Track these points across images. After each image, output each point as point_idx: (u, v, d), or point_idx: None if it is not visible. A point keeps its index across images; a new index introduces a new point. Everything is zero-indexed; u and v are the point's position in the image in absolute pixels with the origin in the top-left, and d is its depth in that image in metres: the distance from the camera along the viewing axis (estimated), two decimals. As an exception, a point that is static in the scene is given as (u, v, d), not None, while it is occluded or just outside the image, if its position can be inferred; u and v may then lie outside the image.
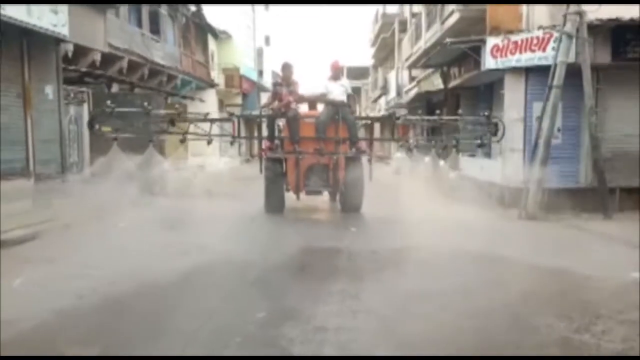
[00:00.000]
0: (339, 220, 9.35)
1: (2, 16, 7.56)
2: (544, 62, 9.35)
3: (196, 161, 19.90)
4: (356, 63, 48.18)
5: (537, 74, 9.60)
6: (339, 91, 9.24)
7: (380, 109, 28.16)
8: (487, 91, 12.65)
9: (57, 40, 10.20)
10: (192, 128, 9.35)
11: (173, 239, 7.13)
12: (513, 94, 9.90)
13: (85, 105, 11.66)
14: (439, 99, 16.39)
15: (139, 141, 9.69)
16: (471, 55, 10.53)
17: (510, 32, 9.72)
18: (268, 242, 7.19)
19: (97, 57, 14.25)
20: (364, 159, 9.97)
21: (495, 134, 8.81)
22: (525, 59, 9.56)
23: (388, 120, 11.72)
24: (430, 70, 14.62)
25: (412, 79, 19.06)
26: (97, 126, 9.08)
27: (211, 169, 19.66)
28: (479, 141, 9.31)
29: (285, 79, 9.66)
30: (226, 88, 25.77)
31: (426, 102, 17.94)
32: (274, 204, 9.36)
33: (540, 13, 9.66)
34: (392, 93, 23.53)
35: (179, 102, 21.33)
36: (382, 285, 5.16)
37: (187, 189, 13.71)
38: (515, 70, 9.78)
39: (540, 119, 9.05)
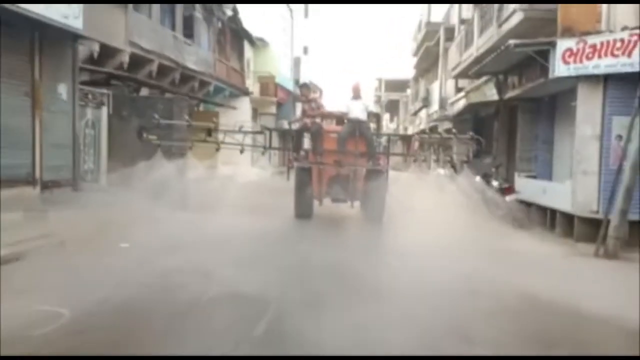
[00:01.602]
0: (377, 249, 8.02)
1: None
2: (628, 69, 7.82)
3: (226, 171, 18.96)
4: (395, 75, 47.07)
5: (619, 83, 8.07)
6: (359, 109, 10.04)
7: (421, 122, 26.69)
8: (549, 104, 11.11)
9: (75, 37, 9.38)
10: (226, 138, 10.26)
11: (176, 266, 6.00)
12: (587, 107, 8.37)
13: (105, 108, 10.78)
14: (489, 112, 14.88)
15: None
16: (537, 60, 9.07)
17: (587, 33, 8.24)
18: (290, 272, 5.95)
19: (125, 59, 13.50)
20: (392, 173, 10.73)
21: (477, 152, 10.63)
22: (605, 65, 8.04)
23: (407, 138, 12.90)
24: (482, 80, 13.17)
25: (458, 90, 17.60)
26: (145, 135, 10.20)
27: (241, 179, 18.58)
28: (464, 158, 10.89)
29: (304, 96, 11.01)
30: (261, 96, 24.91)
31: (473, 116, 16.43)
32: (303, 209, 10.03)
33: (624, 12, 8.16)
34: (435, 105, 22.06)
35: (210, 110, 20.64)
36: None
37: (213, 201, 12.67)
38: (591, 78, 8.27)
39: (625, 137, 7.49)
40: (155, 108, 10.78)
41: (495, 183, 11.02)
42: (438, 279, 5.75)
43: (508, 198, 10.13)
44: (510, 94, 11.24)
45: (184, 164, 13.57)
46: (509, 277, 6.00)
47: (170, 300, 4.78)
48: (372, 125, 11.12)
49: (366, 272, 6.01)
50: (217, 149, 10.36)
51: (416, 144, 12.26)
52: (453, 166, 18.93)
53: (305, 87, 11.34)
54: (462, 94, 16.00)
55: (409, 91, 41.69)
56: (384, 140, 11.64)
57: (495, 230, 9.51)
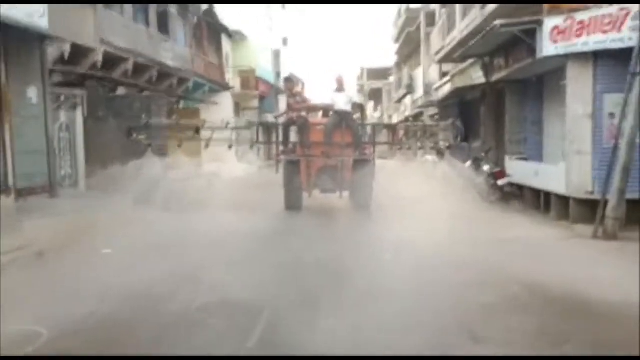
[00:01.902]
0: (372, 238, 7.74)
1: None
2: (618, 45, 7.64)
3: (212, 168, 18.53)
4: (377, 64, 46.68)
5: (609, 60, 7.88)
6: (343, 102, 10.24)
7: (406, 109, 26.45)
8: (537, 84, 10.91)
9: (42, 37, 8.92)
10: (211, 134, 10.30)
11: (162, 272, 5.67)
12: (578, 85, 8.18)
13: (79, 110, 10.33)
14: (475, 96, 14.67)
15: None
16: (524, 41, 8.84)
17: (575, 10, 8.02)
18: (281, 272, 5.65)
19: (98, 58, 12.96)
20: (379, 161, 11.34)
21: (456, 137, 11.19)
22: (594, 41, 7.83)
23: (391, 127, 13.29)
24: (468, 63, 12.92)
25: (443, 74, 17.35)
26: (134, 135, 10.21)
27: (227, 175, 18.19)
28: (447, 144, 11.34)
29: (289, 90, 11.38)
30: (242, 91, 24.42)
31: (459, 101, 16.21)
32: (292, 202, 10.20)
33: (612, -15, 7.95)
34: (419, 91, 21.82)
35: (191, 107, 20.14)
36: None
37: (199, 200, 12.30)
38: (580, 56, 8.07)
39: (619, 114, 7.30)
40: (133, 107, 10.36)
41: (486, 167, 10.83)
42: (434, 271, 5.52)
43: (500, 182, 9.94)
44: (497, 76, 11.02)
45: (167, 164, 13.19)
46: (509, 264, 5.80)
47: (157, 312, 4.47)
48: (357, 116, 11.30)
49: (359, 268, 5.75)
50: (207, 146, 10.46)
51: (401, 133, 12.35)
52: (439, 152, 18.80)
53: (289, 81, 11.83)
54: (447, 78, 15.77)
55: (391, 78, 41.37)
56: (369, 129, 11.85)
57: (489, 215, 9.34)
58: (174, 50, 17.95)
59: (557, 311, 4.40)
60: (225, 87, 22.76)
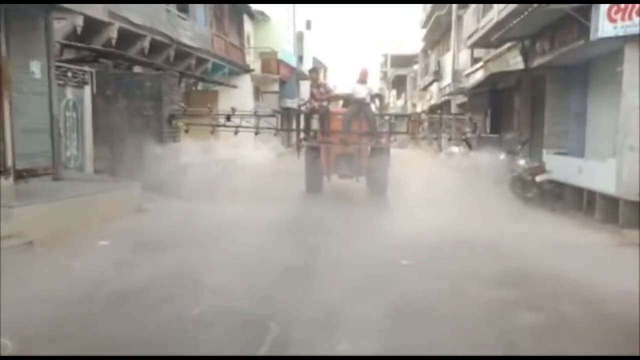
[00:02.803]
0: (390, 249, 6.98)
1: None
2: (687, 27, 6.66)
3: (228, 154, 17.92)
4: (401, 51, 45.38)
5: (675, 43, 6.90)
6: (363, 92, 10.68)
7: (432, 97, 25.40)
8: (582, 71, 9.93)
9: (47, 8, 8.30)
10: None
11: (161, 269, 5.05)
12: (636, 72, 7.21)
13: (87, 88, 9.72)
14: (508, 84, 13.67)
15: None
16: (573, 21, 7.89)
17: (637, -15, 7.04)
18: (294, 278, 4.95)
19: (113, 34, 12.38)
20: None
21: (474, 131, 11.56)
22: (660, 22, 6.86)
23: (407, 117, 13.50)
24: (504, 47, 11.95)
25: (474, 60, 16.36)
26: (174, 121, 10.63)
27: (244, 162, 17.56)
28: (464, 136, 11.44)
29: (313, 80, 11.78)
30: (262, 74, 23.67)
31: (490, 89, 15.21)
32: (313, 185, 10.78)
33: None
34: (447, 79, 20.79)
35: (209, 89, 19.51)
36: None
37: (213, 187, 11.70)
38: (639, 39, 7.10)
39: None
40: (143, 86, 9.73)
41: (522, 161, 9.91)
42: (478, 287, 4.72)
43: (538, 178, 9.04)
44: (538, 61, 10.04)
45: (180, 149, 12.61)
46: (559, 277, 4.99)
47: (147, 320, 3.83)
48: (375, 105, 11.71)
49: (385, 282, 5.00)
50: (236, 133, 10.79)
51: (425, 124, 12.32)
52: (468, 144, 17.81)
53: (314, 72, 12.44)
54: (479, 64, 14.78)
55: (415, 67, 40.18)
56: (386, 119, 12.61)
57: (527, 215, 8.49)
58: (193, 29, 17.29)
59: (625, 338, 3.60)
60: (246, 70, 22.06)
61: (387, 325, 3.76)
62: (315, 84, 11.56)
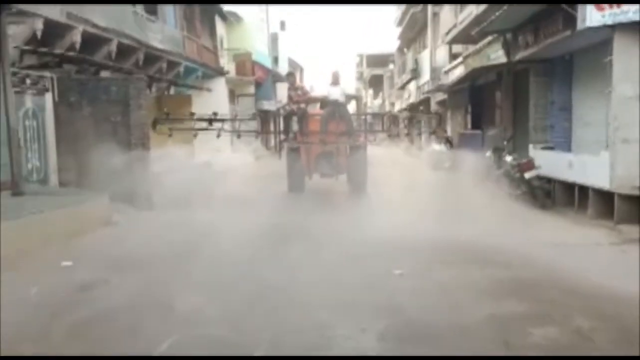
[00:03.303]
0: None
1: None
2: (678, 13, 6.40)
3: (204, 158, 17.30)
4: (376, 51, 45.26)
5: (665, 31, 6.65)
6: (337, 94, 11.02)
7: (410, 95, 25.16)
8: (566, 64, 9.69)
9: (-1, 8, 7.65)
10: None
11: (127, 292, 4.51)
12: (627, 62, 6.96)
13: (49, 95, 9.07)
14: (490, 79, 13.42)
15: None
16: (558, 11, 7.60)
17: (625, -29, 6.77)
18: (278, 301, 4.47)
19: (77, 39, 11.72)
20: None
21: (439, 124, 12.97)
22: (650, 9, 6.59)
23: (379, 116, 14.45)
24: (485, 41, 11.68)
25: (453, 57, 16.10)
26: (158, 126, 10.70)
27: (222, 166, 16.98)
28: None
29: (290, 84, 12.43)
30: (237, 76, 23.08)
31: (470, 85, 14.95)
32: (295, 185, 10.89)
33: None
34: (426, 76, 20.54)
35: (182, 93, 18.86)
36: None
37: (187, 195, 11.10)
38: (631, 26, 6.84)
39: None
40: (109, 91, 9.12)
41: (508, 158, 9.61)
42: (479, 300, 4.32)
43: (527, 174, 8.74)
44: (521, 54, 9.77)
45: (151, 156, 11.97)
46: (566, 283, 4.62)
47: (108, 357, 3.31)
48: (353, 106, 12.59)
49: (377, 296, 4.57)
50: (218, 136, 11.09)
51: (403, 122, 13.01)
52: (449, 142, 17.61)
53: (291, 76, 13.42)
54: (458, 60, 14.52)
55: (391, 66, 40.06)
56: (369, 118, 13.66)
57: (517, 214, 8.15)
58: (162, 32, 16.65)
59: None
60: (220, 72, 21.44)
61: (383, 352, 3.32)
62: (293, 87, 12.07)
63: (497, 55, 10.93)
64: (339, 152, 10.92)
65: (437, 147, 17.75)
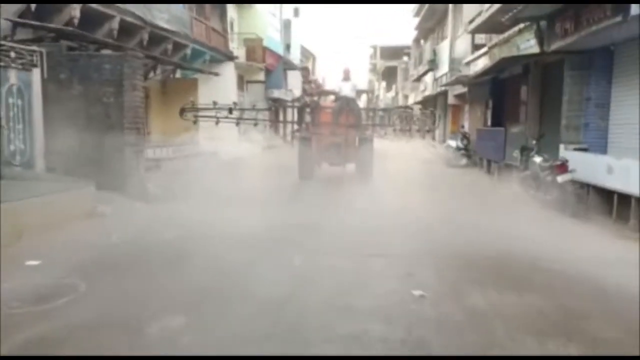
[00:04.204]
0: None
1: None
2: None
3: (209, 147, 16.52)
4: (390, 42, 44.21)
5: None
6: (348, 89, 11.83)
7: (426, 88, 24.16)
8: (606, 57, 8.74)
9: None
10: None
11: (97, 308, 3.75)
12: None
13: (37, 71, 8.29)
14: (515, 72, 12.46)
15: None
16: (608, -6, 6.64)
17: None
18: (281, 324, 3.67)
19: (76, 14, 10.97)
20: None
21: (434, 122, 12.66)
22: None
23: (388, 111, 14.54)
24: (515, 30, 10.72)
25: (475, 47, 15.12)
26: (184, 113, 11.82)
27: (226, 156, 16.20)
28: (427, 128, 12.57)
29: (305, 77, 14.50)
30: (247, 62, 22.21)
31: (492, 78, 13.98)
32: (305, 172, 11.45)
33: None
34: (444, 68, 19.56)
35: (188, 77, 18.07)
36: None
37: (188, 185, 10.36)
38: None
39: None
40: (101, 69, 8.33)
41: (537, 158, 8.72)
42: (507, 326, 3.50)
43: (560, 178, 7.84)
44: (557, 44, 8.82)
45: (146, 141, 11.19)
46: (615, 311, 3.79)
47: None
48: (364, 100, 14.89)
49: (394, 323, 3.76)
50: (237, 124, 12.08)
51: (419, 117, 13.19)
52: (466, 138, 16.67)
53: (306, 70, 15.12)
54: (482, 51, 13.55)
55: (405, 58, 39.01)
56: (380, 113, 14.51)
57: (549, 221, 7.30)
58: (169, 11, 15.81)
59: None
60: (229, 57, 20.58)
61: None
62: (307, 81, 14.40)
63: (528, 45, 9.98)
64: (348, 143, 11.53)
65: (453, 143, 16.85)
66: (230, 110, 11.39)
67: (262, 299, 3.98)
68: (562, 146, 9.14)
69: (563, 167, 7.87)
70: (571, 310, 3.92)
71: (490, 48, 12.56)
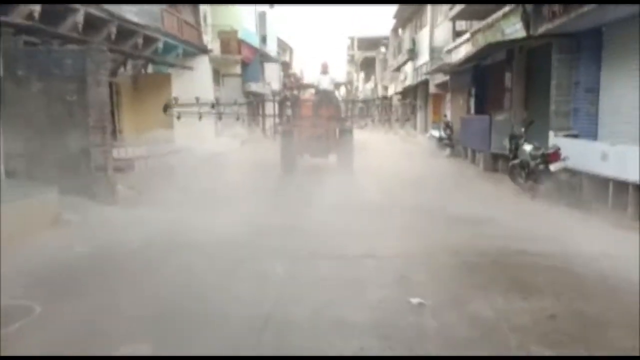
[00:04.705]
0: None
1: None
2: None
3: (184, 143, 15.90)
4: (368, 34, 43.82)
5: None
6: (327, 82, 12.30)
7: (406, 78, 23.80)
8: (595, 39, 8.43)
9: None
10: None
11: (46, 337, 3.24)
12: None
13: (-9, 67, 7.64)
14: (498, 59, 12.14)
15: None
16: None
17: None
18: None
19: (36, 7, 10.24)
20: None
21: (412, 112, 15.01)
22: None
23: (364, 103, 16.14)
24: (499, 15, 10.37)
25: (457, 34, 14.78)
26: (168, 110, 12.05)
27: (204, 151, 15.61)
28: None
29: (284, 71, 14.00)
30: (222, 55, 21.53)
31: (473, 66, 13.64)
32: (288, 165, 11.55)
33: None
34: (424, 56, 19.21)
35: (161, 72, 17.39)
36: None
37: (162, 185, 9.83)
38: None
39: None
40: (62, 64, 7.70)
41: (527, 146, 8.39)
42: (517, 336, 3.12)
43: (553, 167, 7.53)
44: (545, 27, 8.46)
45: (119, 140, 10.58)
46: (634, 315, 3.43)
47: None
48: (342, 92, 14.16)
49: (390, 339, 3.34)
50: (219, 118, 13.05)
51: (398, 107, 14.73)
52: (449, 127, 16.36)
53: (285, 64, 14.48)
54: (465, 37, 13.20)
55: (383, 49, 38.65)
56: (359, 104, 15.28)
57: (544, 212, 6.98)
58: (137, 4, 15.08)
59: None
60: (203, 50, 19.88)
61: None
62: (287, 75, 13.95)
63: (513, 29, 9.63)
64: (328, 135, 11.76)
65: (436, 133, 16.53)
66: (213, 106, 11.93)
67: (240, 317, 3.51)
68: (551, 133, 8.84)
69: (555, 155, 7.55)
70: (586, 315, 3.55)
71: (473, 34, 12.21)
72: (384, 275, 4.40)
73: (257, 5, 27.55)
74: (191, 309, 3.69)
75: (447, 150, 15.54)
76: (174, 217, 6.91)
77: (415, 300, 3.77)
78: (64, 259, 5.00)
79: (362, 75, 52.15)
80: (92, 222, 6.63)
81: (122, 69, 15.25)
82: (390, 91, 31.56)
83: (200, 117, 11.61)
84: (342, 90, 14.99)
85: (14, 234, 5.60)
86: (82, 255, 5.17)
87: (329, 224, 6.42)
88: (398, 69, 25.50)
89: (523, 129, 8.79)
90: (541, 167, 7.72)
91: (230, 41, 21.66)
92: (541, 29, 8.61)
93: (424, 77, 19.34)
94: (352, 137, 11.90)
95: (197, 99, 11.58)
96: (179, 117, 11.95)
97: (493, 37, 10.66)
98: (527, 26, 8.97)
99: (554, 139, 8.61)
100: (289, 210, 7.39)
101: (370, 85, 46.92)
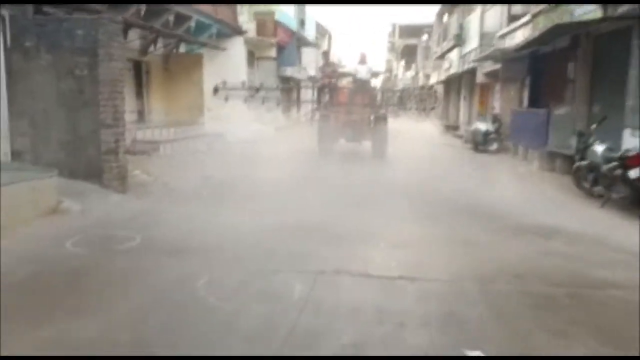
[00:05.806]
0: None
1: None
2: None
3: (215, 128, 15.16)
4: (409, 21, 42.37)
5: None
6: (364, 71, 13.11)
7: (451, 65, 22.36)
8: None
9: None
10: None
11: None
12: None
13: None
14: (557, 47, 10.77)
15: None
16: None
17: None
18: None
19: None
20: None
21: (435, 101, 16.59)
22: None
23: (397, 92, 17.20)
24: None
25: (512, 18, 13.40)
26: (218, 92, 13.86)
27: (233, 138, 14.83)
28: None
29: (324, 61, 15.90)
30: (257, 37, 20.64)
31: (530, 53, 12.26)
32: (325, 148, 12.10)
33: None
34: (473, 43, 17.79)
35: (193, 52, 16.67)
36: None
37: (183, 172, 9.10)
38: None
39: None
40: (73, 35, 6.95)
41: (599, 147, 7.16)
42: None
43: (633, 172, 6.30)
44: (625, 7, 7.15)
45: (146, 122, 9.85)
46: None
47: None
48: (380, 80, 14.73)
49: None
50: (263, 102, 15.07)
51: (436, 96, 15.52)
52: (498, 120, 15.02)
53: (324, 54, 17.14)
54: (524, 19, 11.84)
55: (425, 36, 37.08)
56: (398, 93, 16.31)
57: (620, 227, 5.79)
58: (170, -21, 14.32)
59: None
60: (238, 31, 19.02)
61: None
62: (326, 63, 14.49)
63: (586, 9, 8.31)
64: (363, 121, 12.22)
65: (482, 125, 15.23)
66: (257, 90, 13.45)
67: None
68: (626, 131, 7.55)
69: (637, 159, 6.31)
70: None
71: (535, 16, 10.85)
72: (427, 309, 3.42)
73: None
74: (183, 344, 2.82)
75: (495, 145, 14.25)
76: (185, 212, 6.11)
77: (472, 353, 2.79)
78: (49, 257, 4.23)
79: (402, 63, 50.51)
80: (93, 211, 5.90)
81: (152, 48, 14.58)
82: (433, 80, 30.05)
83: (245, 100, 13.13)
84: (380, 78, 18.11)
85: (5, 223, 4.88)
86: (72, 252, 4.39)
87: (361, 227, 5.48)
88: (442, 56, 24.03)
89: (594, 126, 7.54)
90: (617, 171, 6.50)
91: (266, 23, 20.73)
92: (620, 9, 7.29)
93: (471, 65, 17.95)
94: (387, 125, 12.35)
95: (244, 82, 12.86)
96: (226, 99, 13.27)
97: (559, 19, 9.33)
98: (604, 6, 7.65)
99: (630, 139, 7.34)
100: (314, 207, 6.45)
101: (410, 73, 45.30)
